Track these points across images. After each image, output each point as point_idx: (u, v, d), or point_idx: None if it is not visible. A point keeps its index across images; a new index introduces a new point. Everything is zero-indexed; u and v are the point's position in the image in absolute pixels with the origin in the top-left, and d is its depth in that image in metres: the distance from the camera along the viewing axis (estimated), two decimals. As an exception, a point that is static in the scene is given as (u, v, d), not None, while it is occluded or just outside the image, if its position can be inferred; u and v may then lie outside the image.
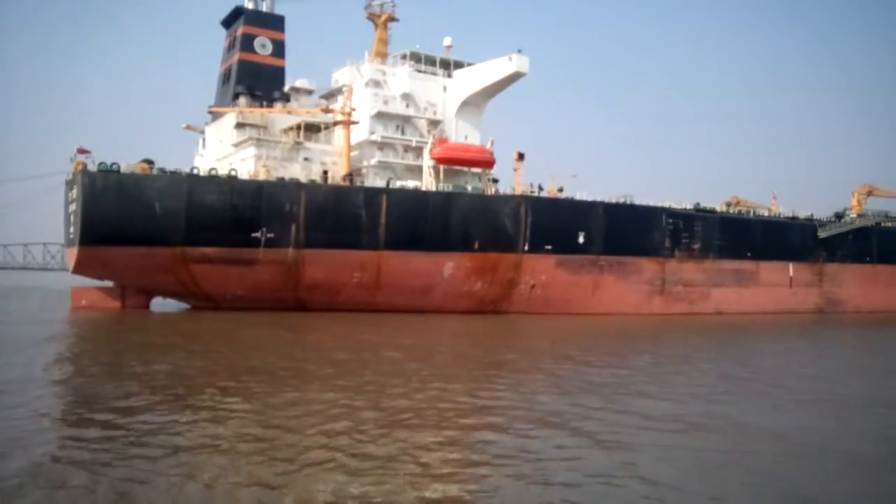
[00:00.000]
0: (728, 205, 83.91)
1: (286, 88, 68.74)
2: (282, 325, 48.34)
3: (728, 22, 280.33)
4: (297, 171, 61.15)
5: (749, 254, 78.51)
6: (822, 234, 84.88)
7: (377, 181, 63.90)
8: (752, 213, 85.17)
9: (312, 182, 59.58)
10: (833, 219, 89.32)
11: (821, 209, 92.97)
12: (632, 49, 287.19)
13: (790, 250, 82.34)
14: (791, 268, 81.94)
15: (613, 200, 72.64)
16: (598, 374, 28.81)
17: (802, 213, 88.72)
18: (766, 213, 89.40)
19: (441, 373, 28.24)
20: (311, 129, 64.59)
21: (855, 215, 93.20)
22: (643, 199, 73.99)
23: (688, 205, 76.24)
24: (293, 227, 56.90)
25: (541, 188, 70.20)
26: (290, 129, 63.30)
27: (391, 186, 61.78)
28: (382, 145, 66.17)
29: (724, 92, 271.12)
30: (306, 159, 62.58)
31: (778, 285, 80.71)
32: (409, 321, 53.60)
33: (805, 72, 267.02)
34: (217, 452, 15.42)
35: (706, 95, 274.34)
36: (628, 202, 73.50)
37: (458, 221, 61.91)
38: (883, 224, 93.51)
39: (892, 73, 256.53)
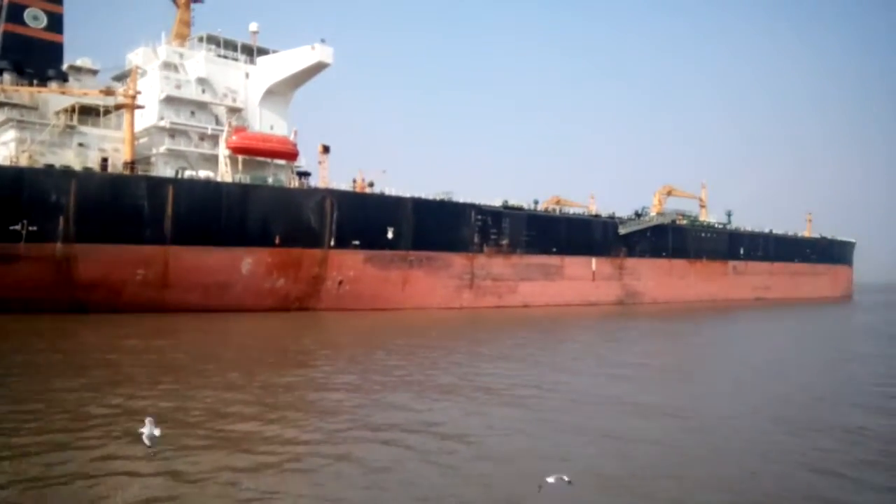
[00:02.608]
0: (536, 202, 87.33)
1: (65, 67, 62.13)
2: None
3: (541, 28, 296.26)
4: (70, 157, 55.34)
5: (555, 249, 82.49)
6: (622, 230, 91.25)
7: (168, 171, 59.49)
8: (558, 211, 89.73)
9: (86, 170, 54.14)
10: (633, 217, 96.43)
11: (632, 208, 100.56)
12: (458, 44, 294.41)
13: (593, 246, 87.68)
14: (594, 262, 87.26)
15: (431, 196, 73.45)
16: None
17: (617, 212, 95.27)
18: (584, 212, 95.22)
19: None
20: (91, 112, 58.77)
21: (654, 213, 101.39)
22: (465, 196, 75.80)
23: (497, 202, 78.67)
24: (61, 220, 51.30)
25: (372, 184, 69.39)
26: (65, 111, 57.22)
27: (182, 176, 57.73)
28: (174, 132, 61.67)
29: (546, 95, 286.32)
30: (81, 145, 56.84)
31: (581, 279, 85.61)
32: (191, 321, 50.21)
33: (617, 81, 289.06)
34: None
35: (528, 98, 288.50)
36: (448, 199, 74.64)
37: (258, 215, 59.18)
38: (677, 222, 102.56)
39: (686, 82, 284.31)
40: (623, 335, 50.39)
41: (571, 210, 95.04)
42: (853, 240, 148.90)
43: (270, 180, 61.91)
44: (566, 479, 11.97)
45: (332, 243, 63.26)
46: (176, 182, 56.10)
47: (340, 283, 64.23)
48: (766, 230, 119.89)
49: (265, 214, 59.38)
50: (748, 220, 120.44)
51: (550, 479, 12.07)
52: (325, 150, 65.12)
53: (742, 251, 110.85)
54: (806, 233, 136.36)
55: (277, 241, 59.89)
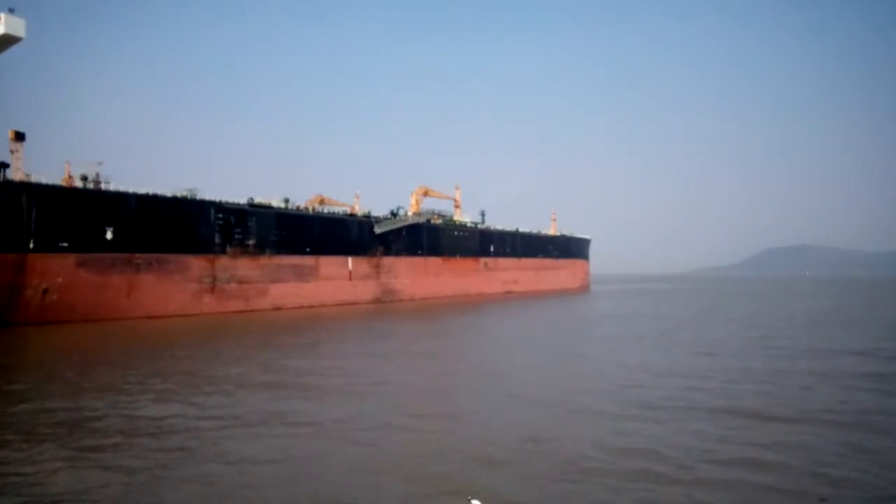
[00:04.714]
0: (286, 200, 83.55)
1: None
2: None
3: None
4: None
5: (308, 249, 79.77)
6: (378, 229, 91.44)
7: None
8: (311, 210, 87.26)
9: None
10: (389, 216, 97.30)
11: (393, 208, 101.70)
12: (215, 32, 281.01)
13: (349, 245, 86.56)
14: (350, 261, 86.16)
15: (170, 193, 66.48)
16: None
17: (378, 212, 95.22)
18: (347, 211, 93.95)
19: None
20: None
21: (411, 213, 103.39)
22: (213, 194, 69.99)
23: (242, 200, 73.84)
24: None
25: (86, 178, 59.98)
26: None
27: None
28: None
29: (312, 93, 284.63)
30: None
31: (338, 278, 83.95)
32: None
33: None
34: None
35: (296, 95, 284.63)
36: (189, 196, 68.14)
37: (-79, 213, 48.23)
38: (433, 221, 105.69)
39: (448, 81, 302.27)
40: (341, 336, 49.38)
41: (333, 209, 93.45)
42: (589, 237, 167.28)
43: (-59, 171, 50.93)
44: None
45: (32, 245, 53.98)
46: None
47: (45, 291, 55.05)
48: (515, 228, 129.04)
49: (-67, 212, 48.62)
50: (503, 220, 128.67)
51: None
52: (19, 137, 55.22)
53: (492, 248, 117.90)
54: (550, 230, 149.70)
55: (-48, 244, 49.44)
